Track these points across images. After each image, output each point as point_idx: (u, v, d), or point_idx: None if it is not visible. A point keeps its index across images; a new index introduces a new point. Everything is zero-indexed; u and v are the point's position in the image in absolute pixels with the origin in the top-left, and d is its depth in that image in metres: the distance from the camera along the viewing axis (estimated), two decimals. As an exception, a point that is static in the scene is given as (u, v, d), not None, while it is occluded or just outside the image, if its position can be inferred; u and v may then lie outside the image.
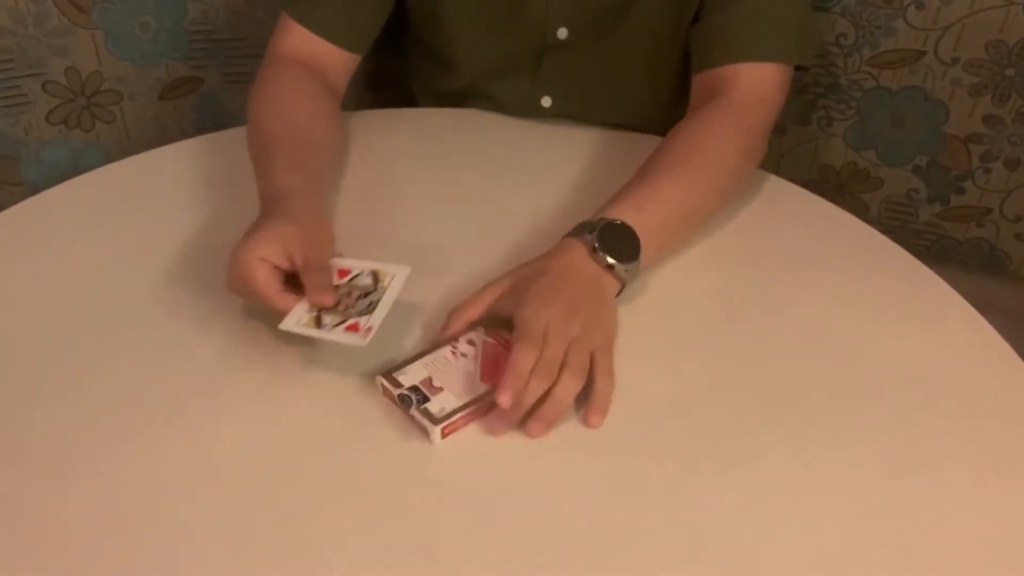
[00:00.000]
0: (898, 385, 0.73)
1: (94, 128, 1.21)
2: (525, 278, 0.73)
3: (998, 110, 1.12)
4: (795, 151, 1.23)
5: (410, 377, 0.69)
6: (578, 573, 0.59)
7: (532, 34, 0.95)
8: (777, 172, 0.99)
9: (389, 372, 0.70)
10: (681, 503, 0.63)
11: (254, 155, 0.86)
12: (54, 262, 0.83)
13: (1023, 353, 0.76)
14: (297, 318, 0.68)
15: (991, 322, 1.49)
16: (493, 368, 0.70)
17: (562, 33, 0.94)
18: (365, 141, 0.99)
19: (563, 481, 0.64)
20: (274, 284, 0.69)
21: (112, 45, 1.15)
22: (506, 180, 0.95)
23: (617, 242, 0.75)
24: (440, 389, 0.68)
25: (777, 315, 0.79)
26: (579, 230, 0.76)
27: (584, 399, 0.68)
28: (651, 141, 0.99)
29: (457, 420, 0.67)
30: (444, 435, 0.67)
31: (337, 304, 0.70)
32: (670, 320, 0.78)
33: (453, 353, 0.71)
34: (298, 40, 0.95)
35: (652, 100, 1.02)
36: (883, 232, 1.31)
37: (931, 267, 1.36)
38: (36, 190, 0.95)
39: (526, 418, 0.67)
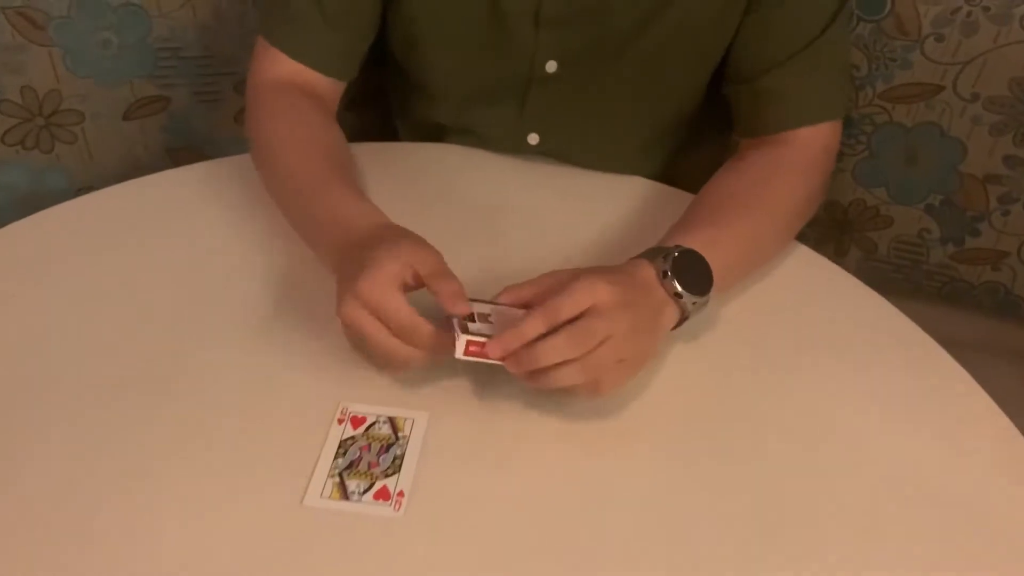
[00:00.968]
0: (911, 501, 0.65)
1: (54, 149, 1.14)
2: (596, 270, 0.67)
3: (1020, 151, 1.04)
4: (800, 185, 1.16)
5: (478, 307, 0.66)
6: None
7: (518, 65, 0.87)
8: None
9: (472, 298, 0.66)
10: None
11: (290, 196, 0.80)
12: (26, 295, 0.77)
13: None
14: (320, 488, 0.62)
15: (1000, 367, 1.41)
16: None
17: (551, 66, 0.87)
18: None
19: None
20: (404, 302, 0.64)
21: (71, 63, 1.07)
22: (484, 224, 0.87)
23: (690, 272, 0.70)
24: (490, 323, 0.65)
25: (778, 408, 0.71)
26: (650, 253, 0.71)
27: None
28: (644, 184, 0.93)
29: (483, 344, 0.63)
30: (467, 352, 0.63)
31: (358, 461, 0.64)
32: (657, 408, 0.70)
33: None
34: (283, 68, 0.87)
35: (649, 146, 0.95)
36: (892, 272, 1.25)
37: (941, 309, 1.31)
38: (-5, 212, 0.88)
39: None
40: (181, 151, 1.20)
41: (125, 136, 1.16)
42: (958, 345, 1.28)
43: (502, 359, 0.63)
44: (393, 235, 0.69)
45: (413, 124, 1.02)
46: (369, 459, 0.64)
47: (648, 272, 0.70)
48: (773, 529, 0.62)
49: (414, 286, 0.66)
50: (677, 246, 0.71)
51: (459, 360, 0.63)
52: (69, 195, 1.19)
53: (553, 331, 0.62)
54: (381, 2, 0.88)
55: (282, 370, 0.71)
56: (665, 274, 0.69)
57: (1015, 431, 0.71)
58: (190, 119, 1.17)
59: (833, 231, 1.19)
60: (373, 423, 0.66)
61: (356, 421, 0.67)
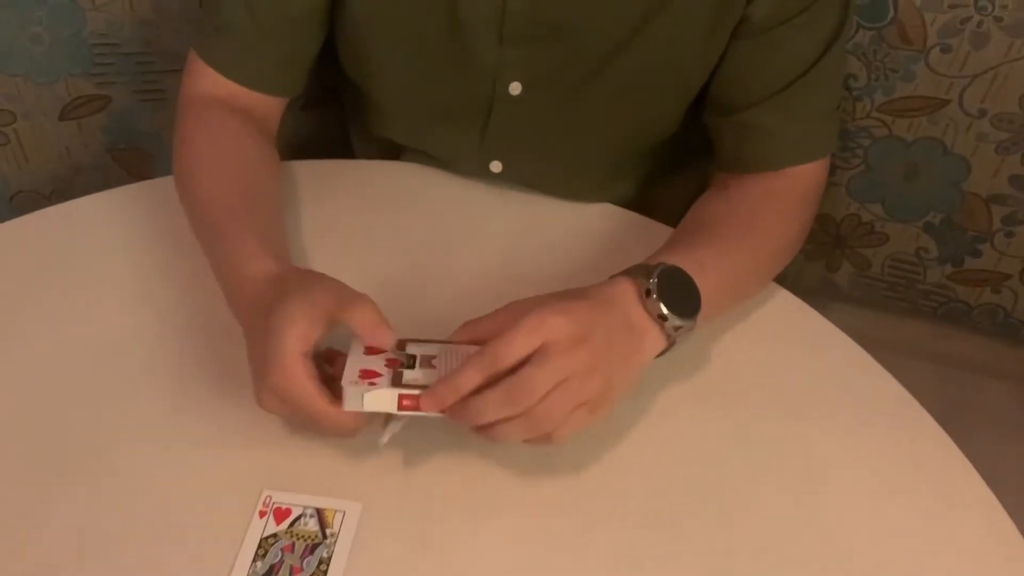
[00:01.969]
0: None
1: (-16, 151, 1.05)
2: (554, 299, 0.59)
3: (1028, 171, 0.97)
4: (791, 197, 1.08)
5: (419, 348, 0.60)
6: None
7: (478, 85, 0.78)
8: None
9: (404, 339, 0.61)
10: None
11: (201, 234, 0.73)
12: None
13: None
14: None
15: (998, 388, 1.33)
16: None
17: (515, 88, 0.78)
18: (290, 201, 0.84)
19: None
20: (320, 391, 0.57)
21: (-2, 61, 0.98)
22: (442, 254, 0.80)
23: (677, 292, 0.62)
24: (433, 368, 0.58)
25: (756, 483, 0.64)
26: (632, 270, 0.64)
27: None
28: (614, 212, 0.85)
29: (416, 397, 0.56)
30: (401, 406, 0.56)
31: (279, 566, 0.56)
32: (625, 489, 0.63)
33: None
34: (213, 83, 0.79)
35: (621, 173, 0.86)
36: (885, 290, 1.18)
37: (938, 328, 1.24)
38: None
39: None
40: (124, 151, 1.11)
41: (62, 137, 1.07)
42: (955, 365, 1.22)
43: (441, 412, 0.56)
44: (284, 292, 0.60)
45: (368, 139, 0.93)
46: (292, 562, 0.57)
47: (626, 290, 0.62)
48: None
49: (325, 332, 0.58)
50: (662, 263, 0.63)
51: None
52: (4, 199, 1.12)
53: (495, 380, 0.55)
54: (325, 10, 0.78)
55: (200, 448, 0.63)
56: (648, 293, 0.61)
57: (1003, 513, 0.64)
58: (133, 119, 1.08)
59: (825, 245, 1.11)
60: (299, 516, 0.59)
61: (280, 514, 0.59)
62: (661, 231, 0.82)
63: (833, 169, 1.04)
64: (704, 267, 0.66)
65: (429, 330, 0.65)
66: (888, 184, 1.03)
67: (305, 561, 0.57)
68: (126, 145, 1.11)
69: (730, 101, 0.77)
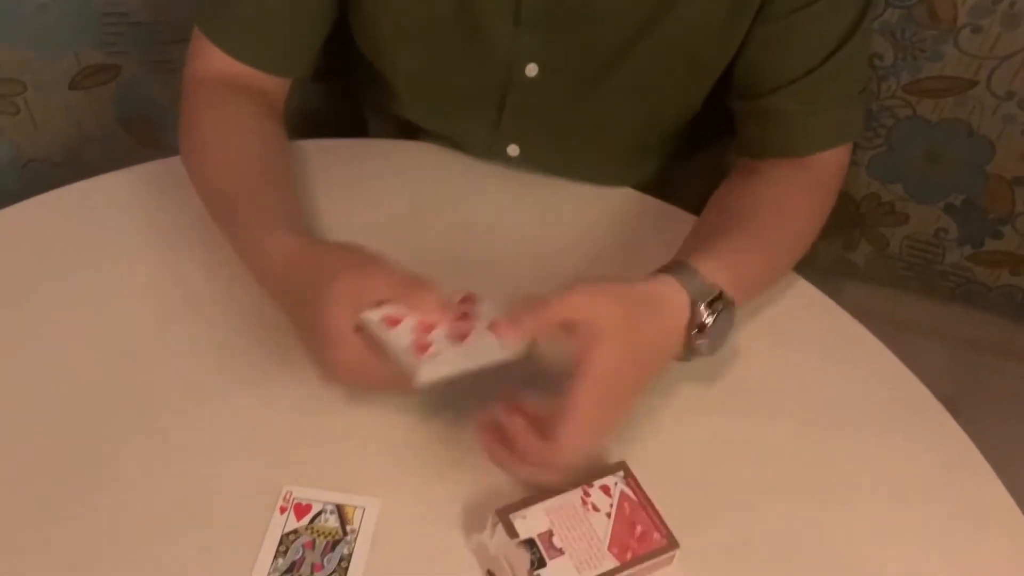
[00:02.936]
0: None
1: (-6, 121, 1.04)
2: (617, 292, 0.59)
3: (1054, 154, 0.95)
4: (810, 175, 1.07)
5: (529, 525, 0.57)
6: None
7: (493, 68, 0.76)
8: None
9: (507, 511, 0.57)
10: None
11: (219, 217, 0.72)
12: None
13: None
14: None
15: (1014, 368, 1.32)
16: (626, 535, 0.57)
17: (531, 70, 0.76)
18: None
19: None
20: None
21: (6, 31, 0.96)
22: (459, 237, 0.79)
23: (719, 331, 0.63)
24: (560, 552, 0.56)
25: (775, 490, 0.63)
26: (696, 292, 0.62)
27: None
28: (632, 197, 0.84)
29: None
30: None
31: (300, 563, 0.56)
32: (648, 473, 0.61)
33: (584, 503, 0.59)
34: (219, 62, 0.77)
35: (640, 156, 0.85)
36: (903, 270, 1.17)
37: (955, 308, 1.23)
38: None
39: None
40: (136, 122, 1.10)
41: (72, 107, 1.06)
42: (971, 346, 1.21)
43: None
44: (327, 272, 0.60)
45: (383, 116, 0.92)
46: (313, 560, 0.57)
47: (677, 320, 0.61)
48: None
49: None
50: (720, 292, 0.62)
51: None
52: (16, 168, 1.11)
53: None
54: None
55: (219, 444, 0.63)
56: (700, 328, 0.61)
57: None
58: (143, 89, 1.07)
59: (843, 224, 1.10)
60: (319, 513, 0.60)
61: (300, 510, 0.60)
62: (680, 217, 0.81)
63: (855, 148, 1.02)
64: (739, 272, 0.65)
65: None
66: (910, 164, 1.02)
67: (326, 558, 0.57)
68: (136, 115, 1.10)
69: (753, 86, 0.75)
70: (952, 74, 0.92)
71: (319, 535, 0.58)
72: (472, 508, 0.60)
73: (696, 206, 0.78)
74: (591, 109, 0.78)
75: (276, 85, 0.79)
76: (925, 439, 0.68)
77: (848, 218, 1.09)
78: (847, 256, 1.13)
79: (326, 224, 0.79)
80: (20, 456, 0.61)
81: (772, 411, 0.68)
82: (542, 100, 0.78)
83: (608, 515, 0.58)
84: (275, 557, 0.57)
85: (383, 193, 0.83)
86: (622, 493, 0.59)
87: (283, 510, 0.59)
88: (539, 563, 0.55)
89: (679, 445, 0.65)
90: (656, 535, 0.57)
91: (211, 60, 0.77)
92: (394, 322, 0.58)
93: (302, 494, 0.60)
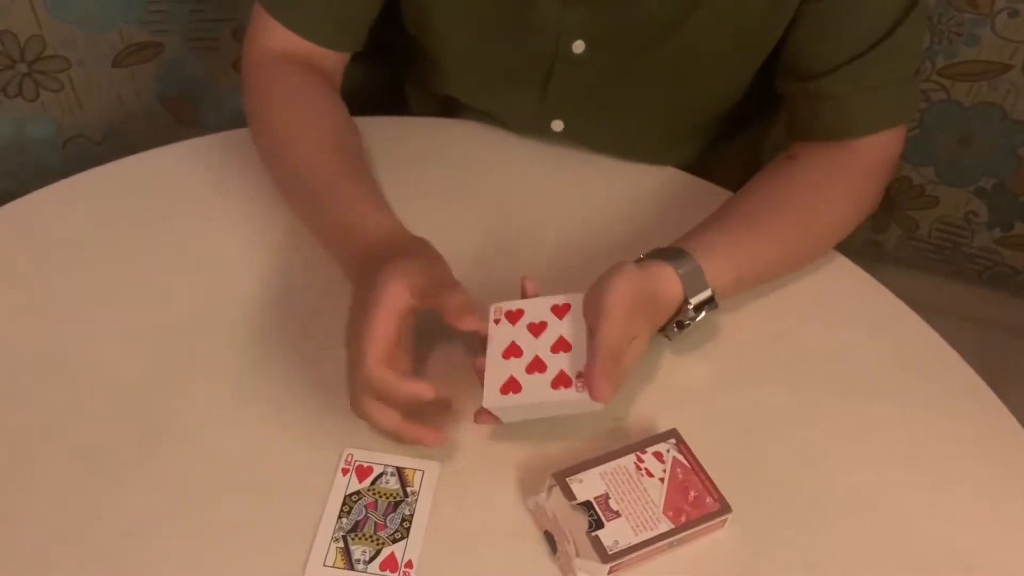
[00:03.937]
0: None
1: (39, 97, 1.05)
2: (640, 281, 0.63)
3: (1087, 139, 0.96)
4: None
5: (586, 488, 0.58)
6: None
7: (540, 44, 0.78)
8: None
9: (563, 475, 0.59)
10: None
11: (300, 195, 0.74)
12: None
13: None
14: (323, 554, 0.57)
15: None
16: (680, 500, 0.59)
17: (578, 47, 0.77)
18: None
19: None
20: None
21: (53, 8, 0.98)
22: (503, 215, 0.80)
23: (691, 329, 0.68)
24: (616, 515, 0.58)
25: (821, 464, 0.65)
26: (691, 290, 0.66)
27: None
28: (677, 176, 0.85)
29: (628, 560, 0.57)
30: (609, 574, 0.57)
31: (364, 522, 0.58)
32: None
33: (638, 468, 0.60)
34: (283, 39, 0.79)
35: (684, 136, 0.86)
36: (931, 253, 1.18)
37: (982, 291, 1.24)
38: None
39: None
40: (175, 100, 1.11)
41: (115, 84, 1.08)
42: (998, 328, 1.22)
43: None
44: (395, 257, 0.63)
45: (425, 93, 0.93)
46: (376, 519, 0.59)
47: (674, 298, 0.66)
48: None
49: (422, 304, 0.61)
50: (712, 294, 0.66)
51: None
52: (57, 145, 1.12)
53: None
54: None
55: (281, 408, 0.65)
56: (679, 325, 0.67)
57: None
58: (185, 67, 1.08)
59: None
60: (380, 474, 0.61)
61: (362, 472, 0.62)
62: (721, 197, 0.82)
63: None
64: (744, 273, 0.69)
65: (493, 294, 0.67)
66: (942, 148, 1.03)
67: (388, 518, 0.59)
68: (177, 93, 1.11)
69: (803, 68, 0.76)
70: (987, 58, 0.93)
71: (381, 496, 0.60)
72: (528, 472, 0.62)
73: (737, 187, 0.79)
74: (636, 87, 0.80)
75: (334, 62, 0.81)
76: (967, 412, 0.69)
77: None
78: (877, 239, 1.14)
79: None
80: (84, 423, 0.63)
81: (817, 384, 0.70)
82: (588, 76, 0.79)
83: (661, 480, 0.60)
84: (339, 516, 0.59)
85: (426, 170, 0.85)
86: (674, 459, 0.61)
87: (345, 472, 0.61)
88: (597, 524, 0.57)
89: (727, 415, 0.67)
90: (709, 499, 0.59)
91: (272, 37, 0.79)
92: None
93: (363, 456, 0.62)
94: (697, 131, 0.87)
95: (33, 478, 0.60)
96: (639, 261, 0.68)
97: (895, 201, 1.09)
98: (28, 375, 0.66)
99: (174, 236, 0.76)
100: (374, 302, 0.59)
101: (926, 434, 0.68)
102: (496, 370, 0.60)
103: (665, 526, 0.58)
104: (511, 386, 0.59)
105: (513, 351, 0.61)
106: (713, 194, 0.83)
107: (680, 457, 0.61)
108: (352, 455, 0.62)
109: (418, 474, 0.61)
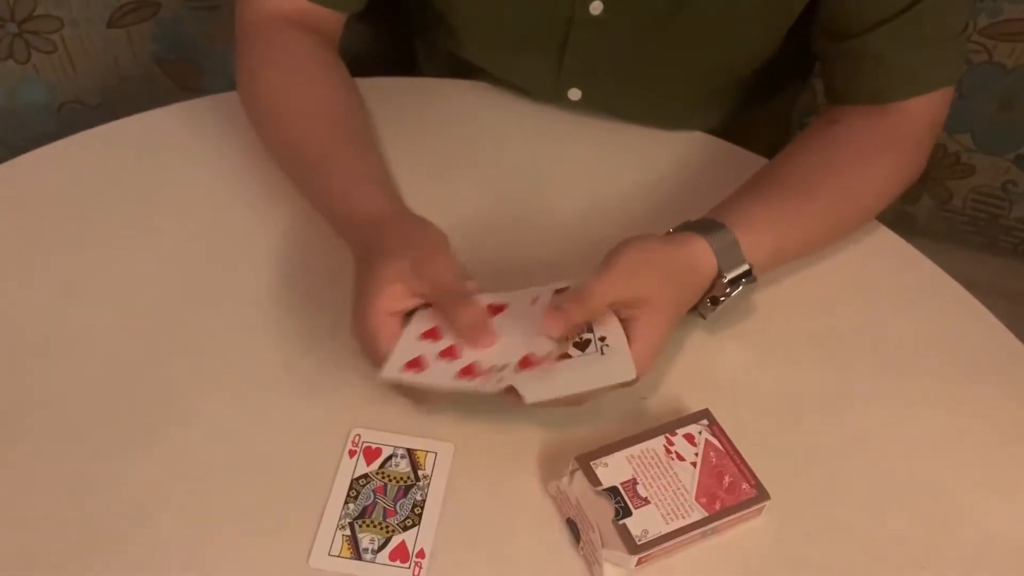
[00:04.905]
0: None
1: (30, 59, 1.01)
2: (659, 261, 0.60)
3: None
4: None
5: (611, 473, 0.54)
6: None
7: (556, 6, 0.72)
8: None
9: (587, 458, 0.54)
10: None
11: (296, 166, 0.70)
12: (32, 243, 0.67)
13: None
14: (328, 543, 0.53)
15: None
16: (714, 486, 0.55)
17: (595, 8, 0.72)
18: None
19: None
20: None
21: (43, -37, 0.93)
22: (519, 183, 0.76)
23: (729, 305, 0.63)
24: (645, 502, 0.54)
25: (861, 446, 0.60)
26: (726, 265, 0.62)
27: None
28: (704, 141, 0.80)
29: (657, 551, 0.53)
30: (637, 565, 0.53)
31: (372, 508, 0.54)
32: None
33: (668, 451, 0.56)
34: (280, 2, 0.74)
35: (710, 100, 0.81)
36: (964, 224, 1.13)
37: (1018, 264, 1.19)
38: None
39: None
40: (174, 63, 1.06)
41: (110, 45, 1.03)
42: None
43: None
44: (389, 244, 0.58)
45: (435, 54, 0.88)
46: (385, 505, 0.55)
47: (707, 274, 0.61)
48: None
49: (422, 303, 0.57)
50: (748, 268, 0.62)
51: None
52: (52, 110, 1.08)
53: None
54: None
55: (285, 386, 0.60)
56: (714, 301, 0.62)
57: None
58: (182, 28, 1.03)
59: (904, 177, 1.07)
60: (390, 457, 0.57)
61: (370, 453, 0.57)
62: (755, 163, 0.77)
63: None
64: (783, 245, 0.65)
65: (506, 270, 0.63)
66: (980, 113, 0.97)
67: (399, 503, 0.55)
68: (175, 56, 1.06)
69: (841, 25, 0.70)
70: (1034, 16, 0.88)
71: (390, 480, 0.56)
72: (549, 454, 0.58)
73: (770, 152, 0.74)
74: (657, 51, 0.74)
75: (332, 22, 0.76)
76: (1018, 389, 0.65)
77: (910, 170, 1.05)
78: (907, 210, 1.09)
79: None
80: (77, 400, 0.59)
81: (859, 361, 0.65)
82: (606, 40, 0.74)
83: (693, 464, 0.55)
84: (346, 502, 0.54)
85: (437, 134, 0.80)
86: (707, 442, 0.57)
87: (352, 454, 0.57)
88: (624, 512, 0.53)
89: (763, 395, 0.62)
90: (745, 485, 0.55)
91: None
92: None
93: (371, 437, 0.57)
94: (723, 96, 0.81)
95: (25, 459, 0.56)
96: (668, 235, 0.63)
97: (927, 170, 1.03)
98: (18, 347, 0.61)
99: (172, 203, 0.72)
100: (368, 309, 0.55)
101: (978, 415, 0.63)
102: (407, 346, 0.55)
103: (698, 514, 0.53)
104: (416, 364, 0.55)
105: (432, 334, 0.56)
106: (746, 160, 0.78)
107: (713, 439, 0.57)
108: (360, 435, 0.57)
109: (430, 456, 0.57)
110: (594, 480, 0.54)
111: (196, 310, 0.64)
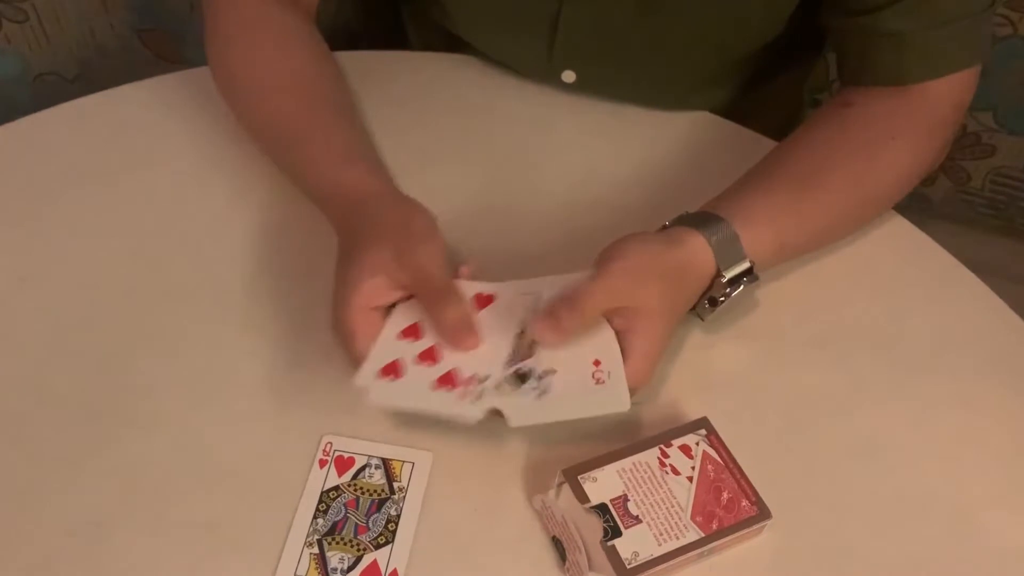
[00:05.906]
0: None
1: (1, 28, 0.96)
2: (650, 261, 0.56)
3: None
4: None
5: (601, 488, 0.51)
6: None
7: None
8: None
9: (574, 472, 0.51)
10: None
11: (273, 145, 0.66)
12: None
13: None
14: (294, 562, 0.49)
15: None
16: (711, 503, 0.51)
17: (586, -16, 0.67)
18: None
19: None
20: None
21: (10, -74, 0.88)
22: (512, 165, 0.71)
23: (729, 306, 0.59)
24: (636, 520, 0.50)
25: (871, 455, 0.56)
26: (725, 262, 0.58)
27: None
28: (709, 121, 0.75)
29: (650, 574, 0.49)
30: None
31: (342, 524, 0.50)
32: (724, 424, 0.55)
33: (662, 464, 0.52)
34: None
35: (713, 80, 0.75)
36: (982, 206, 1.08)
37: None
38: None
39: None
40: (154, 34, 1.02)
41: (85, 14, 0.98)
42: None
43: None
44: (373, 231, 0.55)
45: (426, 25, 0.83)
46: (356, 520, 0.51)
47: (704, 275, 0.57)
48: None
49: (405, 296, 0.54)
50: (749, 264, 0.58)
51: None
52: (25, 83, 1.03)
53: None
54: None
55: (252, 390, 0.56)
56: (712, 302, 0.58)
57: None
58: (162, -4, 0.99)
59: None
60: (363, 467, 0.53)
61: (342, 464, 0.53)
62: (762, 143, 0.73)
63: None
64: (785, 242, 0.60)
65: (497, 258, 0.59)
66: (1003, 91, 0.92)
67: (371, 519, 0.51)
68: (154, 26, 1.01)
69: (854, 0, 0.66)
70: (1064, -13, 0.82)
71: (363, 493, 0.52)
72: (535, 464, 0.54)
73: (778, 133, 0.69)
74: (653, 31, 0.69)
75: None
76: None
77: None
78: (922, 192, 1.04)
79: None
80: (26, 399, 0.55)
81: (868, 362, 0.60)
82: (599, 20, 0.69)
83: (689, 479, 0.51)
84: (314, 517, 0.51)
85: (427, 112, 0.75)
86: (704, 454, 0.53)
87: (323, 463, 0.53)
88: (613, 532, 0.49)
89: (766, 401, 0.58)
90: (745, 502, 0.51)
91: None
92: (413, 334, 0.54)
93: (344, 446, 0.54)
94: (725, 78, 0.76)
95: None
96: (663, 229, 0.59)
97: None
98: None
99: (141, 187, 0.68)
100: (346, 304, 0.52)
101: (998, 418, 0.59)
102: (384, 348, 0.52)
103: (693, 534, 0.49)
104: (393, 369, 0.51)
105: (412, 332, 0.53)
106: (753, 141, 0.73)
107: (711, 451, 0.53)
108: (331, 443, 0.54)
109: (407, 466, 0.53)
110: (581, 496, 0.50)
111: (160, 304, 0.60)
